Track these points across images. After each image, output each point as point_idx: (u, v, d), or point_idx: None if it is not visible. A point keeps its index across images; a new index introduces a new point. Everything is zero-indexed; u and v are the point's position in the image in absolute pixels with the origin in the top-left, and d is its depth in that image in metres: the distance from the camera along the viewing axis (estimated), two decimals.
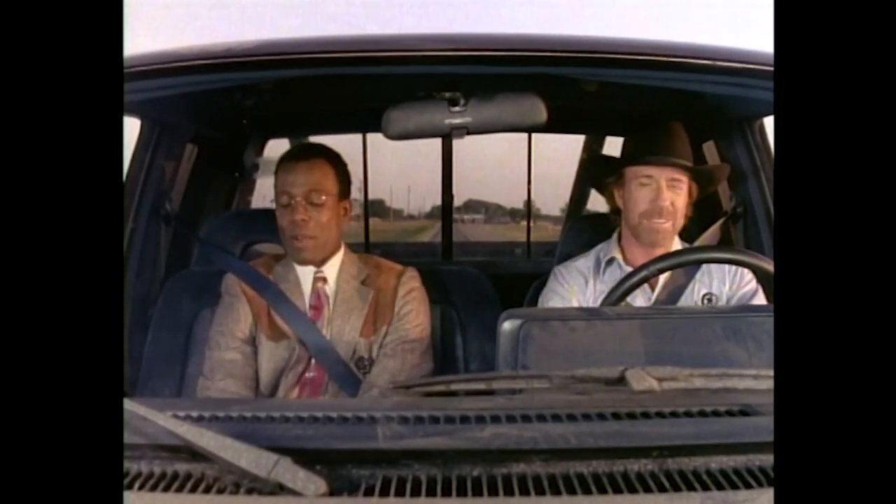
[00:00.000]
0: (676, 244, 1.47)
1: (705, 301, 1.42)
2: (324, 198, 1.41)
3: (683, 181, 1.40)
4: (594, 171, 1.80)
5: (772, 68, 0.95)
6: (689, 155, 1.43)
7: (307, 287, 1.47)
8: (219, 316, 1.48)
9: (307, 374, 1.42)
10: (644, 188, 1.40)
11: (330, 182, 1.43)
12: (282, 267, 1.49)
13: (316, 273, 1.47)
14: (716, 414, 0.70)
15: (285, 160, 1.46)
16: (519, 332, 0.93)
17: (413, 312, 1.46)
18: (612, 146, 2.18)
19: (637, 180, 1.41)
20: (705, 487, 0.58)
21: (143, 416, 0.64)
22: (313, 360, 1.41)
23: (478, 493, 0.58)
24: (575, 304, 1.45)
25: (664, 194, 1.38)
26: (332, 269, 1.47)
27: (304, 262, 1.46)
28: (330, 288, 1.46)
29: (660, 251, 1.40)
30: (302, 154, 1.47)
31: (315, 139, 2.40)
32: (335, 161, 1.46)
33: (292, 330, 1.41)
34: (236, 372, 1.40)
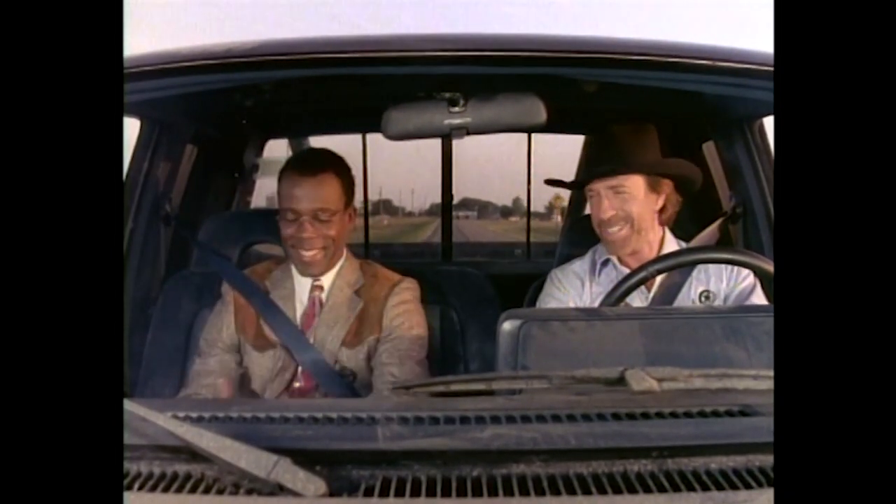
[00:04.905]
0: (672, 244, 1.47)
1: (702, 298, 1.41)
2: (331, 214, 1.38)
3: (628, 185, 1.38)
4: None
5: (772, 68, 0.95)
6: (641, 156, 1.41)
7: (304, 295, 1.45)
8: (208, 321, 1.48)
9: (295, 384, 1.40)
10: (591, 201, 1.43)
11: (336, 196, 1.39)
12: (280, 272, 1.48)
13: (314, 281, 1.45)
14: (716, 414, 0.70)
15: (289, 170, 1.41)
16: (519, 333, 0.93)
17: (405, 324, 1.43)
18: None
19: (588, 195, 1.44)
20: (705, 488, 0.58)
21: (143, 416, 0.64)
22: (300, 370, 1.39)
23: (478, 493, 0.58)
24: (572, 306, 1.45)
25: (604, 204, 1.39)
26: (330, 276, 1.45)
27: (310, 276, 1.44)
28: (324, 296, 1.45)
29: (644, 255, 1.41)
30: (308, 166, 1.41)
31: (315, 139, 2.40)
32: (341, 170, 1.42)
33: (279, 339, 1.39)
34: (210, 383, 1.39)
